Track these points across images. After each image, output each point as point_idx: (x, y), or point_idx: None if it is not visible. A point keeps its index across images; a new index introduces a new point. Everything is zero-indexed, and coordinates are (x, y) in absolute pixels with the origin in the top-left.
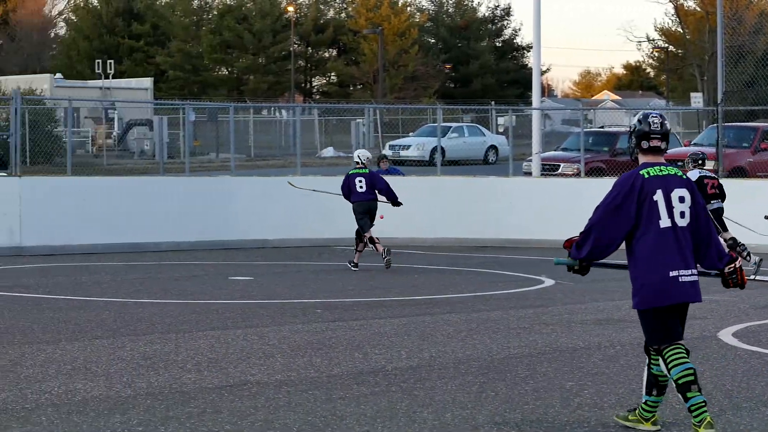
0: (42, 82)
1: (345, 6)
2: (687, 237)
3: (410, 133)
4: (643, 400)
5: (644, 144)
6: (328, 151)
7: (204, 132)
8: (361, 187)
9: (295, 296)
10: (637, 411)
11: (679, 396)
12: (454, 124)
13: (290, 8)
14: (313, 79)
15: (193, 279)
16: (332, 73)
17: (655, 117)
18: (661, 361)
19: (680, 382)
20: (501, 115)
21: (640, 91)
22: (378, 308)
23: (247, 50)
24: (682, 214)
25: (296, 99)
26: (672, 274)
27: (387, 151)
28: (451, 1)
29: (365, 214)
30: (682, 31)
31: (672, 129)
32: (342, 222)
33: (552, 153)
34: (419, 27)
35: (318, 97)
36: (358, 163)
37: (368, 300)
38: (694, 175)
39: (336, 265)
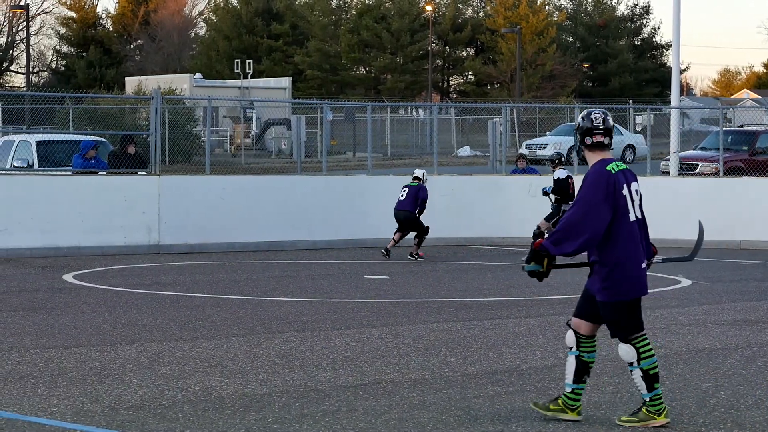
0: (182, 82)
1: (483, 5)
2: (646, 228)
3: (547, 133)
4: (569, 389)
5: (588, 140)
6: (465, 150)
7: (341, 131)
8: (402, 195)
9: (429, 295)
10: (560, 400)
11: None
12: None
13: (428, 7)
14: (450, 78)
15: (329, 277)
16: (469, 72)
17: (598, 113)
18: (628, 347)
19: (651, 372)
20: (639, 113)
21: None
22: (513, 308)
23: (385, 49)
24: (640, 207)
25: (433, 98)
26: (643, 265)
27: (524, 151)
28: (589, 0)
29: (398, 220)
30: None
31: None
32: (478, 221)
33: (690, 152)
34: (557, 26)
35: (455, 96)
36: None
37: (503, 299)
38: (561, 174)
39: (471, 264)
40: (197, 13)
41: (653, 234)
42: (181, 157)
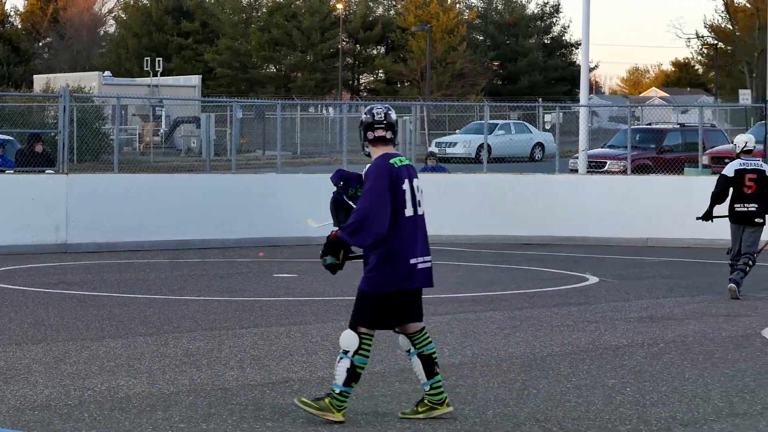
0: (91, 80)
1: (394, 3)
2: (424, 225)
3: (457, 131)
4: (338, 390)
5: (370, 134)
6: None
7: (251, 129)
8: None
9: (338, 293)
10: (327, 400)
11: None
12: (500, 122)
13: (339, 5)
14: (360, 77)
15: (238, 276)
16: (380, 71)
17: (380, 108)
18: (354, 336)
19: (358, 371)
20: (548, 112)
21: (689, 88)
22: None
23: (295, 47)
24: (420, 203)
25: (343, 96)
26: (412, 261)
27: (434, 149)
28: None
29: None
30: (731, 28)
31: (721, 126)
32: None
33: (599, 150)
34: (468, 24)
35: (365, 94)
36: None
37: None
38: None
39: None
40: (107, 10)
41: (558, 231)
42: (90, 155)
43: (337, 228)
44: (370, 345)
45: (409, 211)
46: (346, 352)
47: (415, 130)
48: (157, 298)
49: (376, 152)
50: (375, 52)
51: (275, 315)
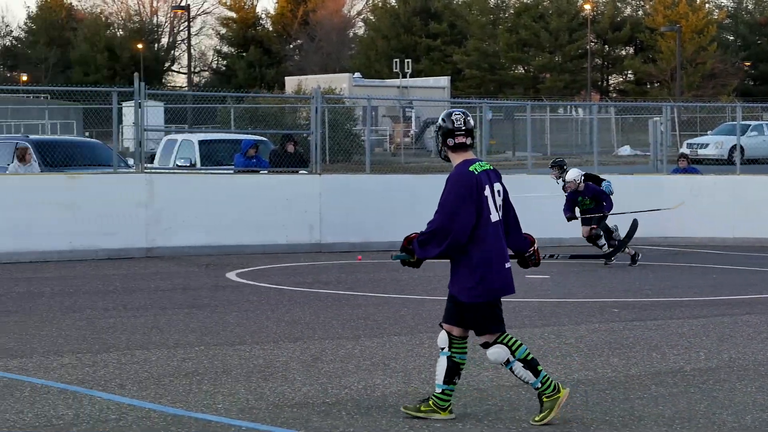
0: (341, 81)
1: (642, 3)
2: (502, 228)
3: (708, 132)
4: (440, 390)
5: (450, 141)
6: (625, 150)
7: (500, 130)
8: None
9: (591, 295)
10: (431, 401)
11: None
12: (753, 123)
13: (587, 6)
14: (609, 78)
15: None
16: (629, 71)
17: (458, 114)
18: (498, 347)
19: (529, 359)
20: None
21: None
22: (676, 308)
23: (543, 48)
24: (499, 207)
25: (593, 97)
26: (507, 265)
27: (685, 150)
28: None
29: None
30: None
31: None
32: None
33: None
34: (717, 24)
35: (614, 95)
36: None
37: (666, 300)
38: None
39: (628, 265)
40: (356, 12)
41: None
42: (342, 156)
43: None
44: (510, 336)
45: (494, 216)
46: (508, 362)
47: (666, 132)
48: (412, 297)
49: (456, 159)
50: (624, 52)
51: (528, 316)
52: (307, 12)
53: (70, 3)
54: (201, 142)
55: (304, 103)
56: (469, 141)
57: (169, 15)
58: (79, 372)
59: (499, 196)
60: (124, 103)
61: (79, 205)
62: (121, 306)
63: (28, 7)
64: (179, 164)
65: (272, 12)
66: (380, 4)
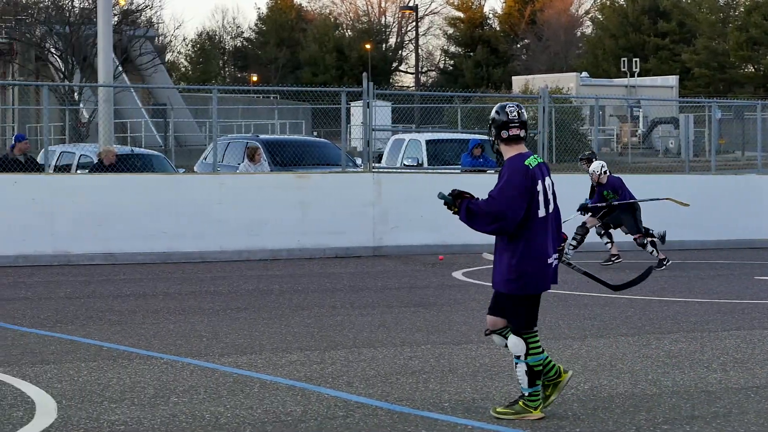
0: (568, 81)
1: None
2: (552, 224)
3: None
4: (527, 393)
5: (504, 133)
6: None
7: (729, 130)
8: None
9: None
10: (521, 403)
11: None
12: None
13: None
14: None
15: (718, 278)
16: None
17: (512, 106)
18: (518, 340)
19: (536, 369)
20: None
21: None
22: None
23: None
24: (548, 203)
25: None
26: (549, 260)
27: None
28: None
29: None
30: None
31: None
32: None
33: None
34: None
35: None
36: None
37: None
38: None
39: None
40: (583, 11)
41: None
42: (568, 155)
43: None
44: (537, 340)
45: (542, 212)
46: (518, 357)
47: None
48: (638, 298)
49: (510, 152)
50: None
51: (758, 318)
52: (535, 11)
53: (300, 4)
54: (428, 142)
55: (531, 103)
56: (522, 133)
57: (397, 15)
58: (307, 369)
59: (549, 190)
60: (352, 103)
61: (308, 204)
62: (348, 304)
63: (259, 8)
64: (406, 164)
65: (499, 12)
66: (608, 3)
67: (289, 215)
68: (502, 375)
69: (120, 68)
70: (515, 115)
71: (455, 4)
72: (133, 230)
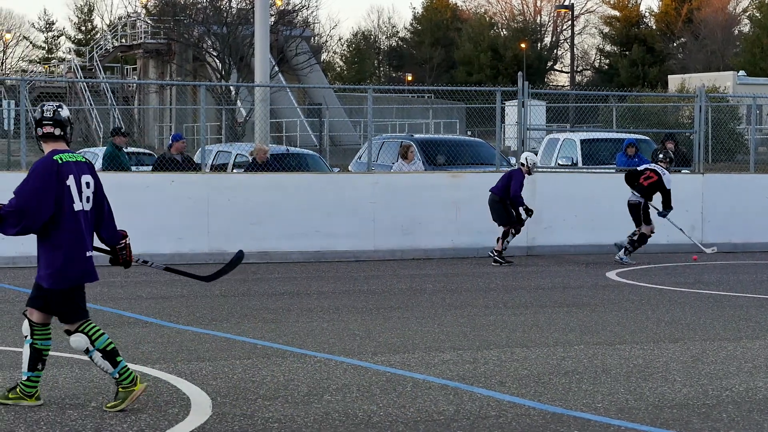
0: (725, 80)
1: None
2: (91, 219)
3: None
4: (25, 377)
5: (39, 131)
6: None
7: None
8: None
9: None
10: (18, 389)
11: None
12: None
13: None
14: None
15: None
16: None
17: (49, 106)
18: (78, 336)
19: (109, 349)
20: None
21: None
22: None
23: None
24: (88, 198)
25: None
26: (88, 254)
27: None
28: None
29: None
30: None
31: None
32: None
33: None
34: None
35: None
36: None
37: None
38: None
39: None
40: (741, 9)
41: None
42: (725, 155)
43: None
44: (94, 325)
45: (78, 206)
46: (87, 351)
47: None
48: None
49: (47, 148)
50: None
51: None
52: (692, 10)
53: (455, 3)
54: (583, 141)
55: (687, 102)
56: (57, 131)
57: (552, 14)
58: (460, 368)
59: (88, 187)
60: (507, 102)
61: (461, 204)
62: (501, 304)
63: (414, 8)
64: (561, 163)
65: (656, 10)
66: (767, 1)
67: (442, 214)
68: (655, 376)
69: (276, 68)
70: (49, 114)
71: (611, 2)
72: (288, 229)
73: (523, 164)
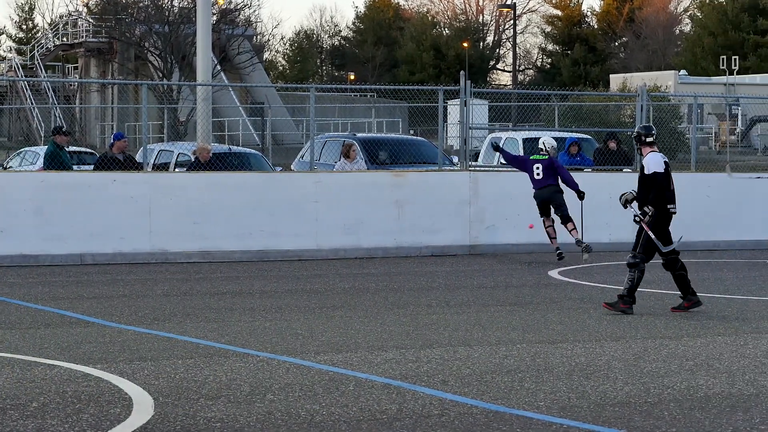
0: (666, 79)
1: None
2: None
3: None
4: None
5: None
6: None
7: None
8: (538, 174)
9: None
10: None
11: None
12: None
13: None
14: None
15: None
16: None
17: None
18: None
19: None
20: None
21: None
22: None
23: None
24: None
25: None
26: None
27: None
28: None
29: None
30: None
31: None
32: None
33: None
34: None
35: None
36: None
37: None
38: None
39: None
40: (682, 9)
41: None
42: (666, 153)
43: None
44: None
45: None
46: None
47: None
48: (736, 298)
49: None
50: None
51: None
52: (633, 9)
53: (398, 3)
54: (525, 140)
55: (628, 101)
56: None
57: (494, 13)
58: (403, 367)
59: None
60: (449, 102)
61: (404, 203)
62: (444, 302)
63: (357, 7)
64: (503, 162)
65: (597, 9)
66: (707, 0)
67: (385, 213)
68: (597, 374)
69: (218, 67)
70: None
71: (553, 2)
72: (230, 228)
73: (548, 151)
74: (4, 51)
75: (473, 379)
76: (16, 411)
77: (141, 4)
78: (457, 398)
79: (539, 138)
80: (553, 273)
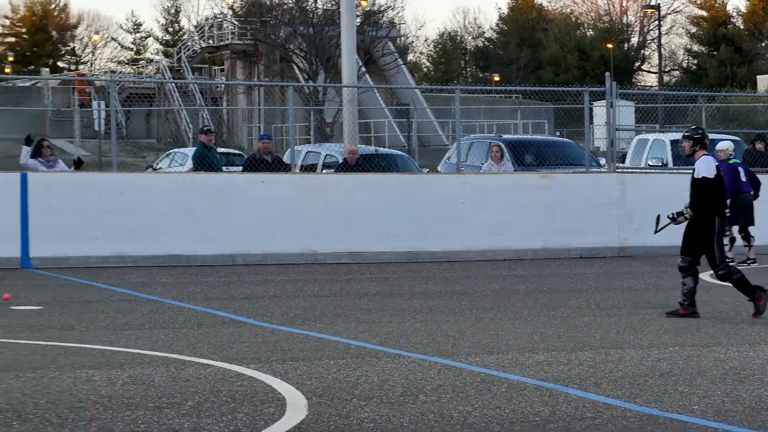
0: None
1: None
2: None
3: None
4: None
5: None
6: None
7: None
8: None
9: None
10: None
11: None
12: None
13: None
14: None
15: None
16: None
17: None
18: None
19: None
20: None
21: None
22: None
23: None
24: None
25: None
26: None
27: None
28: None
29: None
30: None
31: None
32: None
33: None
34: None
35: None
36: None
37: None
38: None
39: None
40: None
41: None
42: None
43: None
44: None
45: None
46: None
47: None
48: None
49: None
50: None
51: None
52: None
53: (541, 4)
54: (673, 142)
55: None
56: None
57: (638, 14)
58: (554, 369)
59: None
60: (595, 103)
61: (551, 204)
62: (594, 305)
63: (500, 8)
64: (651, 164)
65: (743, 9)
66: None
67: (533, 215)
68: (752, 378)
69: (363, 69)
70: None
71: (698, 2)
72: (378, 229)
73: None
74: (152, 53)
75: (626, 381)
76: (172, 409)
77: (285, 6)
78: (610, 401)
79: (719, 141)
80: (704, 276)
